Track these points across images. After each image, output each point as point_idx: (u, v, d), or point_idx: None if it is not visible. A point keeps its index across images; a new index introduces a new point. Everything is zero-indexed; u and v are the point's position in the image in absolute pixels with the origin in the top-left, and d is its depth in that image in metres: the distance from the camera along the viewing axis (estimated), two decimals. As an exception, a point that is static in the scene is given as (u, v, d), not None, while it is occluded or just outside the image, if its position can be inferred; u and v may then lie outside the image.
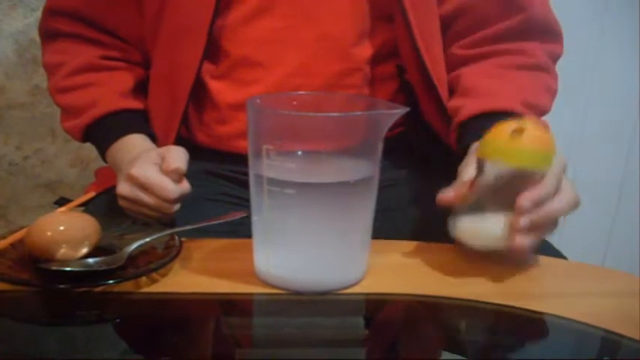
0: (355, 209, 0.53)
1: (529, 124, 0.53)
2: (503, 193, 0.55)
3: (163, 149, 0.68)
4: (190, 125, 0.79)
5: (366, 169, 0.52)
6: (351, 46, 0.73)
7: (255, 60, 0.73)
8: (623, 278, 0.59)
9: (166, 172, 0.64)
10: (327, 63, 0.73)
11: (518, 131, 0.53)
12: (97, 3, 0.80)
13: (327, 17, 0.72)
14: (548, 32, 0.77)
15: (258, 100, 0.53)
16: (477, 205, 0.56)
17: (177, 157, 0.65)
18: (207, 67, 0.75)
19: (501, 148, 0.53)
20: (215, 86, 0.76)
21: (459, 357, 0.50)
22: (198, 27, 0.72)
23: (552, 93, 0.76)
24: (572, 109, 1.48)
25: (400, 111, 0.51)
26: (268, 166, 0.50)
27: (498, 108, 0.68)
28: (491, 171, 0.54)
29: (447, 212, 0.58)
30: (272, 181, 0.50)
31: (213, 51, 0.74)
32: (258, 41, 0.73)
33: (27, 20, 1.14)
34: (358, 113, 0.52)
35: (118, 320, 0.52)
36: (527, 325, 0.52)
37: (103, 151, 0.79)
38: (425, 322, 0.54)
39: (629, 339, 0.48)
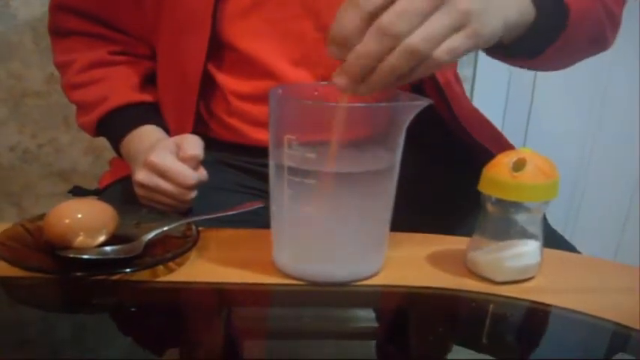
0: (375, 200, 0.53)
1: (528, 154, 0.52)
2: (513, 222, 0.54)
3: (179, 137, 0.68)
4: (203, 118, 0.79)
5: (386, 160, 0.52)
6: None
7: (257, 52, 0.73)
8: (635, 273, 0.59)
9: (184, 159, 0.64)
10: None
11: (519, 164, 0.52)
12: None
13: (323, 7, 0.71)
14: None
15: (280, 90, 0.52)
16: (490, 237, 0.55)
17: (194, 144, 0.66)
18: (213, 59, 0.75)
19: (504, 185, 0.52)
20: (221, 77, 0.75)
21: (474, 350, 0.49)
22: (201, 20, 0.71)
23: None
24: (588, 105, 1.47)
25: (422, 103, 0.50)
26: (289, 156, 0.50)
27: None
28: (496, 208, 0.54)
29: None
30: (293, 171, 0.50)
31: (216, 43, 0.74)
32: (258, 33, 0.73)
33: (44, 8, 1.13)
34: (380, 104, 0.51)
35: (134, 309, 0.52)
36: (542, 319, 0.52)
37: (116, 144, 0.79)
38: (441, 315, 0.54)
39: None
